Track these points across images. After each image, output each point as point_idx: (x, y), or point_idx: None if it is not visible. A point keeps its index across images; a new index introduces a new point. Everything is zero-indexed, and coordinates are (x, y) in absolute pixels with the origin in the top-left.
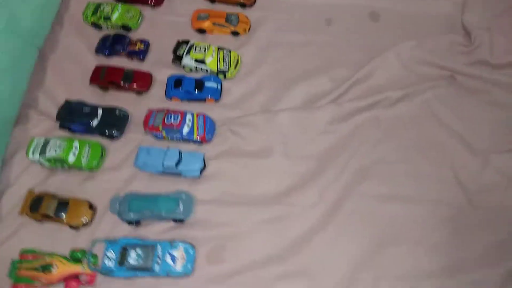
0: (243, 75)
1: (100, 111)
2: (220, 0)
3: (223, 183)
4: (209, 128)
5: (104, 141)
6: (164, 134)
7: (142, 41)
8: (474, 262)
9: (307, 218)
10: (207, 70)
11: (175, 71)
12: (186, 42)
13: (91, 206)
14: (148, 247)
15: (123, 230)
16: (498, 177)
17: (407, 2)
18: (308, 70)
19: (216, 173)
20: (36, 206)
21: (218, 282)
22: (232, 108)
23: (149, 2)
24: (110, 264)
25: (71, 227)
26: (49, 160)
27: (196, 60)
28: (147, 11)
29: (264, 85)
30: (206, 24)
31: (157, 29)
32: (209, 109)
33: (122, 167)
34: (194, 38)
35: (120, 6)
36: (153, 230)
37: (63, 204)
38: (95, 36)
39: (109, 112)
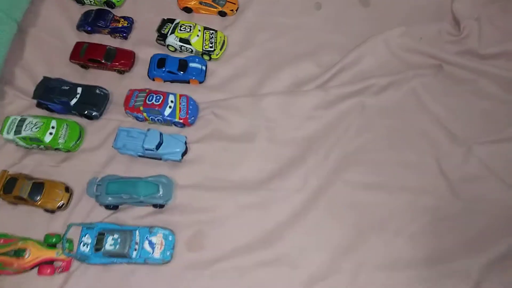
0: (229, 57)
1: (79, 90)
2: None
3: (204, 168)
4: (192, 110)
5: (82, 121)
6: (145, 115)
7: (126, 18)
8: (454, 252)
9: (289, 204)
10: (192, 50)
11: (158, 50)
12: (172, 20)
13: (68, 189)
14: (125, 232)
15: (100, 215)
16: (481, 167)
17: None
18: (296, 54)
19: (198, 157)
20: (10, 187)
21: (198, 269)
22: (216, 91)
23: None
24: (86, 249)
25: (46, 210)
26: (24, 139)
27: (181, 40)
28: None
29: (250, 68)
30: (192, 3)
31: (142, 6)
32: (193, 90)
33: (100, 149)
34: (180, 17)
35: None
36: (131, 215)
37: (38, 186)
38: (77, 11)
39: (89, 91)
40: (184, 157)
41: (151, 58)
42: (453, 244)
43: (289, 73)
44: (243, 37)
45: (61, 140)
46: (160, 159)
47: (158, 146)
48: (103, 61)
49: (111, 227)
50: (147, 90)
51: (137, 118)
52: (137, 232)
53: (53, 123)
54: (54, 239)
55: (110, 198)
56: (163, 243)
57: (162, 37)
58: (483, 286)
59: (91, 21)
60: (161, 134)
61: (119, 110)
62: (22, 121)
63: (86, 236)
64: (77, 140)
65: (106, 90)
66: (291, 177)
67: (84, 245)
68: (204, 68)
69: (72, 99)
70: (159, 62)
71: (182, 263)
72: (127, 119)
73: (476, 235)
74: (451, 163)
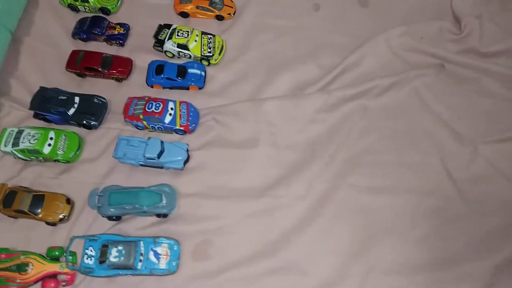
0: (228, 62)
1: (77, 99)
2: None
3: (207, 175)
4: (192, 117)
5: (81, 131)
6: (145, 123)
7: (122, 25)
8: (463, 254)
9: (295, 210)
10: (190, 56)
11: (156, 56)
12: (168, 26)
13: (69, 201)
14: (130, 243)
15: (103, 226)
16: (487, 167)
17: None
18: (296, 56)
19: (200, 165)
20: (9, 201)
21: (204, 279)
22: (216, 96)
23: None
24: (90, 262)
25: (48, 223)
26: (22, 152)
27: (178, 45)
28: None
29: (250, 72)
30: (189, 8)
31: (137, 12)
32: (193, 97)
33: (100, 159)
34: (177, 22)
35: None
36: (134, 226)
37: (38, 199)
38: (72, 19)
39: (86, 100)
40: (186, 165)
41: (149, 64)
42: (462, 246)
43: (289, 76)
44: (241, 41)
45: (60, 151)
46: (162, 167)
47: (160, 155)
48: (100, 69)
49: (115, 238)
50: (146, 98)
51: (137, 127)
52: (141, 243)
53: (51, 134)
54: (57, 252)
55: (112, 209)
56: (169, 253)
57: (159, 43)
58: None
59: (87, 29)
60: (162, 142)
61: (118, 118)
62: (20, 133)
63: (90, 248)
64: (77, 151)
65: (104, 99)
66: (295, 182)
67: (88, 258)
68: (203, 73)
69: (70, 109)
70: (158, 68)
71: (188, 273)
72: (126, 128)
73: (484, 236)
74: (456, 163)
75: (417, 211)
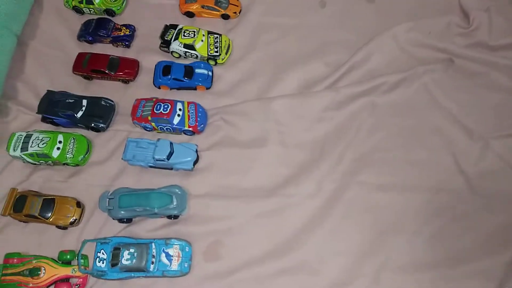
0: (235, 61)
1: (84, 102)
2: None
3: (217, 176)
4: (201, 118)
5: (89, 133)
6: (153, 124)
7: (127, 26)
8: (476, 251)
9: (305, 209)
10: (197, 56)
11: (163, 57)
12: (174, 26)
13: (79, 204)
14: (141, 246)
15: (114, 229)
16: (499, 162)
17: None
18: (303, 54)
19: (209, 165)
20: (20, 206)
21: (216, 279)
22: (224, 96)
23: None
24: (102, 265)
25: (58, 227)
26: (31, 156)
27: (185, 45)
28: None
29: (257, 71)
30: (194, 7)
31: (142, 13)
32: (200, 97)
33: (109, 161)
34: (182, 22)
35: None
36: (145, 228)
37: (48, 203)
38: (77, 21)
39: (94, 102)
40: (196, 165)
41: (156, 65)
42: (474, 242)
43: (297, 74)
44: (248, 40)
45: (69, 155)
46: (171, 168)
47: (169, 156)
48: (107, 71)
49: (126, 241)
50: (154, 99)
51: (145, 128)
52: (153, 244)
53: (60, 137)
54: (68, 256)
55: (123, 212)
56: (180, 255)
57: (165, 43)
58: (508, 286)
59: (92, 31)
60: (171, 144)
61: (126, 120)
62: (28, 137)
63: (101, 251)
64: (85, 154)
65: (112, 101)
66: (305, 181)
67: (100, 261)
68: (210, 73)
69: (78, 112)
70: (164, 69)
71: (200, 274)
72: (134, 130)
73: (497, 233)
74: (467, 159)
75: (427, 208)
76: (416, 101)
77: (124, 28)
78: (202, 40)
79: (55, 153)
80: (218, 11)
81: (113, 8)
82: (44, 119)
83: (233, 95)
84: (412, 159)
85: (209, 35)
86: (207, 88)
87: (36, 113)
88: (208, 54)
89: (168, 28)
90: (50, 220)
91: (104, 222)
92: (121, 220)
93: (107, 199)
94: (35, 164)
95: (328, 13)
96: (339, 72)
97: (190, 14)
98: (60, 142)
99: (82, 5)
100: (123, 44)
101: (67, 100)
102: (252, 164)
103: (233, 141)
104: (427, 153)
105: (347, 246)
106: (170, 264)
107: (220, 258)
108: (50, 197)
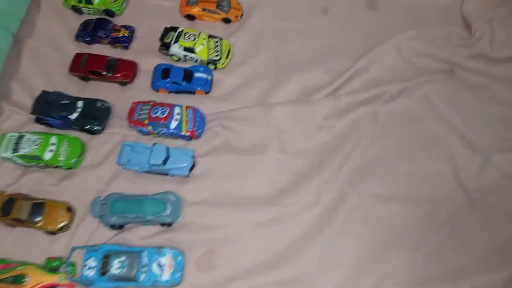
0: (235, 66)
1: (80, 104)
2: None
3: (213, 183)
4: (199, 123)
5: (84, 136)
6: (150, 128)
7: (127, 27)
8: (474, 266)
9: (303, 219)
10: (196, 60)
11: (161, 60)
12: (175, 29)
13: (70, 209)
14: (132, 254)
15: (105, 235)
16: (499, 176)
17: None
18: (304, 60)
19: (206, 172)
20: (8, 209)
21: None
22: (223, 101)
23: None
24: (90, 273)
25: (47, 232)
26: (23, 158)
27: (185, 49)
28: None
29: (258, 76)
30: (195, 10)
31: (142, 15)
32: (199, 101)
33: (103, 165)
34: (183, 25)
35: None
36: (138, 235)
37: (38, 207)
38: (76, 21)
39: (90, 104)
40: (192, 172)
41: (154, 68)
42: (474, 257)
43: (298, 80)
44: (248, 44)
45: (61, 157)
46: (167, 174)
47: (165, 161)
48: (104, 73)
49: (117, 248)
50: (151, 103)
51: (141, 132)
52: (145, 253)
53: (53, 139)
54: (56, 263)
55: (115, 218)
56: (173, 264)
57: (165, 46)
58: None
59: (91, 31)
60: (167, 149)
61: (122, 123)
62: (20, 138)
63: (91, 259)
64: (79, 157)
65: (108, 103)
66: (304, 190)
67: (88, 269)
68: (209, 78)
69: (73, 113)
70: (163, 72)
71: (192, 284)
72: (130, 133)
73: (497, 248)
74: (468, 172)
75: (427, 222)
76: (417, 111)
77: (123, 29)
78: (202, 44)
79: (47, 155)
80: (219, 14)
81: (113, 9)
82: (38, 120)
83: (232, 100)
84: (413, 170)
85: (209, 38)
86: (206, 93)
87: (30, 113)
88: (208, 58)
89: (168, 30)
90: (39, 225)
91: (95, 228)
92: (112, 227)
93: (99, 205)
94: (26, 166)
95: (330, 20)
96: (341, 79)
97: (190, 17)
98: (53, 144)
99: (81, 5)
100: (122, 45)
101: (62, 101)
102: (250, 171)
103: (231, 147)
104: (428, 165)
105: (346, 258)
106: (162, 274)
107: (214, 268)
108: (40, 201)
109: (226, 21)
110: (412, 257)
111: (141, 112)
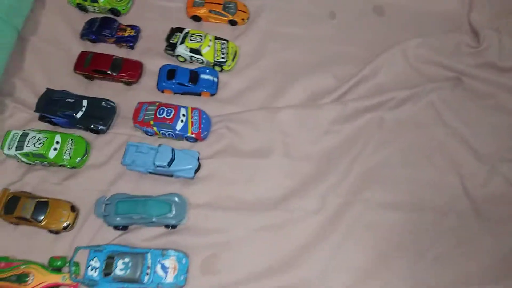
0: (241, 68)
1: (85, 102)
2: None
3: (218, 185)
4: (204, 125)
5: (88, 135)
6: (155, 129)
7: (132, 27)
8: (480, 276)
9: (308, 225)
10: (202, 61)
11: (167, 60)
12: (181, 29)
13: (73, 208)
14: (137, 255)
15: (108, 236)
16: (505, 185)
17: None
18: (310, 64)
19: (211, 174)
20: (11, 207)
21: None
22: (229, 104)
23: None
24: (94, 274)
25: (51, 231)
26: (27, 156)
27: (191, 50)
28: None
29: (264, 79)
30: (202, 11)
31: (148, 14)
32: (204, 103)
33: (107, 165)
34: (189, 26)
35: None
36: (141, 236)
37: (41, 205)
38: (81, 19)
39: (94, 103)
40: (197, 174)
41: (160, 69)
42: (478, 268)
43: (304, 85)
44: (255, 47)
45: (66, 156)
46: (171, 176)
47: (170, 163)
48: (109, 72)
49: (121, 249)
50: (157, 103)
51: (146, 133)
52: (149, 255)
53: (58, 138)
54: (59, 263)
55: (119, 219)
56: (177, 267)
57: (171, 47)
58: None
59: (96, 30)
60: (173, 150)
61: (127, 123)
62: (24, 136)
63: (94, 259)
64: (83, 156)
65: (113, 103)
66: (309, 196)
67: (92, 269)
68: (215, 79)
69: (78, 112)
70: (169, 73)
71: (196, 287)
72: (135, 134)
73: (503, 258)
74: (474, 181)
75: (433, 229)
76: (423, 119)
77: (129, 28)
78: (209, 45)
79: (52, 154)
80: (226, 16)
81: (118, 8)
82: (42, 118)
83: (238, 103)
84: (418, 178)
85: (216, 40)
86: (212, 95)
87: (34, 111)
88: (214, 60)
89: (174, 31)
90: (42, 223)
91: (98, 228)
92: (116, 227)
93: (104, 205)
94: (30, 164)
95: (337, 25)
96: (347, 85)
97: (196, 18)
98: (57, 142)
99: (86, 3)
100: (127, 45)
101: (66, 100)
102: (255, 175)
103: (236, 150)
104: (433, 173)
105: (350, 265)
106: (166, 276)
107: (218, 272)
108: (43, 200)
109: (233, 23)
110: (417, 264)
111: (147, 112)
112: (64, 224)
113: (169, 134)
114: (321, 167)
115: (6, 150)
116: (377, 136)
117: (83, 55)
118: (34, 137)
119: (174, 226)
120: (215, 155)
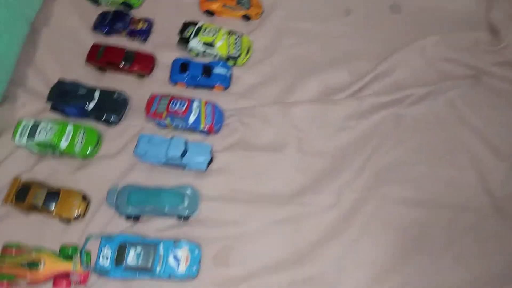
0: (255, 63)
1: (97, 94)
2: None
3: (231, 178)
4: (217, 118)
5: (100, 126)
6: (168, 121)
7: (145, 20)
8: (500, 275)
9: (322, 220)
10: (215, 55)
11: (179, 54)
12: (194, 23)
13: (85, 198)
14: (149, 245)
15: (119, 226)
16: None
17: None
18: (325, 60)
19: (223, 167)
20: (23, 195)
21: (224, 286)
22: (242, 98)
23: None
24: (105, 263)
25: (62, 220)
26: (38, 145)
27: (204, 43)
28: None
29: (277, 74)
30: (215, 6)
31: (161, 9)
32: (217, 97)
33: (119, 156)
34: (201, 20)
35: None
36: (153, 227)
37: (53, 194)
38: (93, 12)
39: (107, 95)
40: (209, 166)
41: (173, 62)
42: (500, 267)
43: (318, 80)
44: (268, 42)
45: (77, 146)
46: (184, 168)
47: (183, 155)
48: (121, 65)
49: (133, 239)
50: (170, 96)
51: (159, 125)
52: (161, 245)
53: (70, 128)
54: (70, 251)
55: (131, 208)
56: (189, 258)
57: (184, 40)
58: None
59: (109, 22)
60: (186, 142)
61: (139, 115)
62: (36, 125)
63: (106, 248)
64: (95, 147)
65: (126, 95)
66: (324, 191)
67: (103, 258)
68: (229, 73)
69: (90, 103)
70: (182, 66)
71: (208, 279)
72: (147, 125)
73: None
74: (494, 179)
75: (451, 227)
76: (442, 116)
77: (142, 21)
78: (222, 39)
79: (63, 144)
80: (240, 11)
81: (131, 1)
82: (53, 108)
83: (251, 97)
84: (436, 175)
85: (229, 34)
86: (225, 88)
87: (46, 100)
88: (227, 54)
89: (187, 24)
90: (54, 212)
91: (110, 218)
92: (128, 217)
93: (116, 194)
94: (41, 153)
95: (352, 21)
96: (363, 81)
97: (210, 13)
98: (69, 132)
99: None
100: (140, 38)
101: (79, 91)
102: (268, 169)
103: (249, 144)
104: (452, 170)
105: (365, 262)
106: (178, 267)
107: (230, 264)
108: (55, 189)
109: (246, 18)
110: (436, 262)
111: (159, 105)
112: (76, 214)
113: (182, 127)
114: (336, 162)
115: (17, 140)
116: (394, 133)
117: (95, 47)
118: (45, 127)
119: (186, 218)
120: (228, 149)
